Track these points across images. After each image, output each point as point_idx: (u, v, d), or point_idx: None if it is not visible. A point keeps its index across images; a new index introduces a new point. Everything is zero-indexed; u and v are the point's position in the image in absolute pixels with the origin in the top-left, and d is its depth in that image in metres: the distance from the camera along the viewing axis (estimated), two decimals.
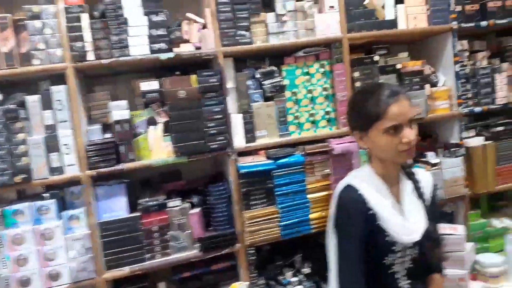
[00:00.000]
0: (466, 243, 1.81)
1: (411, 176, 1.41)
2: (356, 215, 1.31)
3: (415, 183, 1.40)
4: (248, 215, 1.60)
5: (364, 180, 1.35)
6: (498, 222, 1.97)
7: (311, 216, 1.67)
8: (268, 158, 1.63)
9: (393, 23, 1.80)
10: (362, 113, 1.31)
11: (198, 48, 1.60)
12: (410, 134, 1.24)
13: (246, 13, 1.62)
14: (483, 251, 1.91)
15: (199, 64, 1.67)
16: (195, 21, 1.62)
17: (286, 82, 1.71)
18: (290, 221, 1.65)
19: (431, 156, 1.84)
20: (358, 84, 1.74)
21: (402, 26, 1.81)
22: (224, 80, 1.59)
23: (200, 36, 1.62)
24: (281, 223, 1.64)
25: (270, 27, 1.67)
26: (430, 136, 1.99)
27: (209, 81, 1.56)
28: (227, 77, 1.63)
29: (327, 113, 1.76)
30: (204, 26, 1.63)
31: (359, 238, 1.30)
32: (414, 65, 1.81)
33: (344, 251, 1.32)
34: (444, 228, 1.79)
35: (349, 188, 1.34)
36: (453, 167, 1.83)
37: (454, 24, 1.86)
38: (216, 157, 1.66)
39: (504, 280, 1.85)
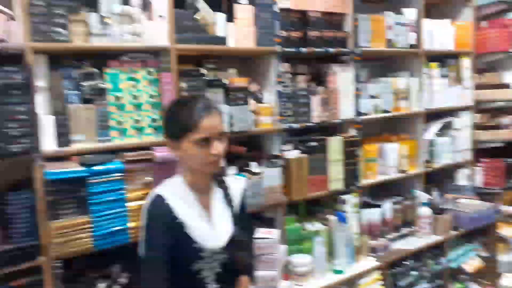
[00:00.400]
0: (280, 246, 2.00)
1: (221, 184, 1.49)
2: (161, 224, 1.33)
3: (225, 190, 1.49)
4: (55, 226, 1.49)
5: (173, 190, 1.40)
6: (311, 226, 2.22)
7: (130, 225, 1.64)
8: (82, 164, 1.54)
9: (222, 40, 1.90)
10: (176, 123, 1.35)
11: (2, 41, 1.44)
12: (218, 147, 1.33)
13: (64, 10, 1.52)
14: (297, 253, 2.13)
15: (8, 58, 1.49)
16: (1, 12, 1.45)
17: (108, 85, 1.65)
18: (105, 231, 1.58)
19: (254, 166, 1.98)
20: (185, 94, 1.78)
21: (231, 43, 1.92)
22: (32, 78, 1.46)
23: (6, 28, 1.46)
24: (94, 233, 1.56)
25: (92, 28, 1.59)
26: (256, 147, 2.15)
27: (11, 77, 1.40)
28: (38, 75, 1.50)
29: (154, 120, 1.75)
30: (13, 19, 1.48)
31: (163, 246, 1.33)
32: (240, 81, 1.94)
33: (147, 260, 1.34)
34: (260, 232, 1.94)
35: (157, 198, 1.37)
36: (272, 176, 2.00)
37: (278, 48, 2.05)
38: (23, 162, 1.50)
39: (310, 277, 2.09)
